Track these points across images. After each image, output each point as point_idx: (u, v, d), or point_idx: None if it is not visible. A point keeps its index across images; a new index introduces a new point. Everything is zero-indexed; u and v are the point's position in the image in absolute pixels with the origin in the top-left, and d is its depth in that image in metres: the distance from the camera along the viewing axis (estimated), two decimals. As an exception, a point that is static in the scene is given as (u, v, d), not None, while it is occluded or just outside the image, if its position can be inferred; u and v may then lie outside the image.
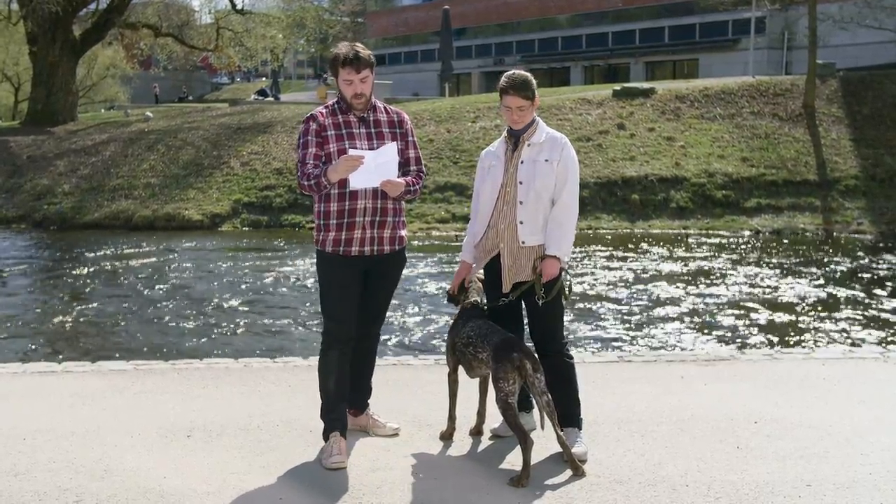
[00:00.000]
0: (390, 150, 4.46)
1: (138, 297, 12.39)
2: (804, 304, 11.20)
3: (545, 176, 4.53)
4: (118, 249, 16.96)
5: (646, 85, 26.03)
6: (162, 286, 13.14)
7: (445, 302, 4.93)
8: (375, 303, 4.74)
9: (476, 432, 4.84)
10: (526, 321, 4.74)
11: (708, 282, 12.78)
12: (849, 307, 11.04)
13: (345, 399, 4.67)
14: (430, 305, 11.34)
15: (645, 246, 16.43)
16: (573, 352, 4.84)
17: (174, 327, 10.47)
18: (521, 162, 4.58)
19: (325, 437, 4.58)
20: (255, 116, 27.67)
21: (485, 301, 4.78)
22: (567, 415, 4.50)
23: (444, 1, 45.68)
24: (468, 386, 4.86)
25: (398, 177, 4.49)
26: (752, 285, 12.49)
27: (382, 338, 5.10)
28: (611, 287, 12.39)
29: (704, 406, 5.32)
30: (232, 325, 10.51)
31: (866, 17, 30.42)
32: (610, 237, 17.61)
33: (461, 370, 4.73)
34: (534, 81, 4.60)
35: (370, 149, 4.49)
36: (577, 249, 15.52)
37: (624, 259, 14.91)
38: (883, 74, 25.49)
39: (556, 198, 4.54)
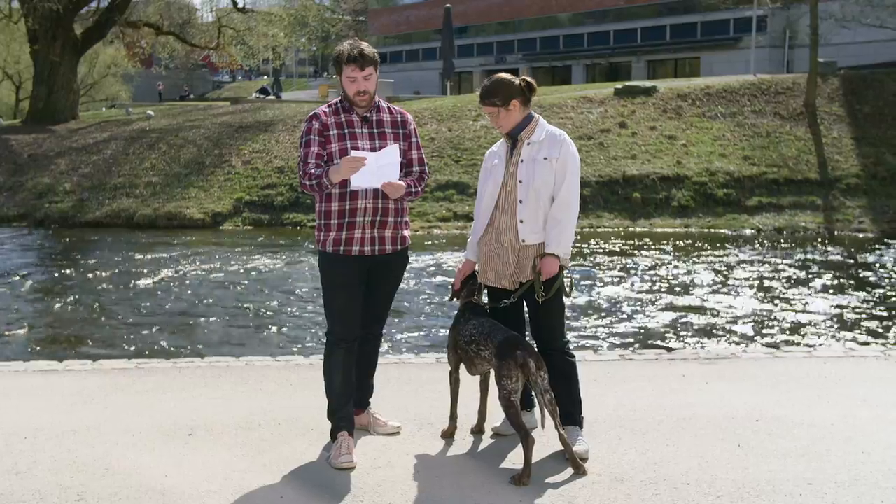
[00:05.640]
0: (393, 152, 4.44)
1: (138, 295, 12.39)
2: (805, 303, 11.20)
3: (545, 174, 4.53)
4: (119, 248, 16.96)
5: (647, 83, 26.02)
6: (161, 284, 13.14)
7: (448, 299, 4.92)
8: (378, 302, 4.73)
9: (477, 431, 4.84)
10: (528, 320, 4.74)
11: (709, 280, 12.78)
12: (850, 305, 11.03)
13: (351, 398, 4.66)
14: (432, 304, 11.35)
15: (646, 244, 16.42)
16: (574, 350, 4.84)
17: (174, 325, 10.47)
18: (521, 160, 4.58)
19: (333, 436, 4.57)
20: (257, 115, 27.67)
21: (486, 299, 4.78)
22: (568, 413, 4.50)
23: (445, -1, 45.67)
24: (469, 384, 4.86)
25: (400, 178, 4.48)
26: (753, 284, 12.49)
27: (384, 336, 5.09)
28: (612, 285, 12.39)
29: (706, 404, 5.32)
30: (232, 323, 10.51)
31: (868, 16, 30.43)
32: (611, 235, 17.60)
33: (462, 368, 4.73)
34: (506, 87, 4.54)
35: (372, 149, 4.47)
36: (579, 248, 15.52)
37: (625, 257, 14.90)
38: (884, 73, 25.49)
39: (556, 195, 4.54)
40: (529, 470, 4.18)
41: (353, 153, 4.38)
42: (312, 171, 4.44)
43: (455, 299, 4.87)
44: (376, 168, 4.36)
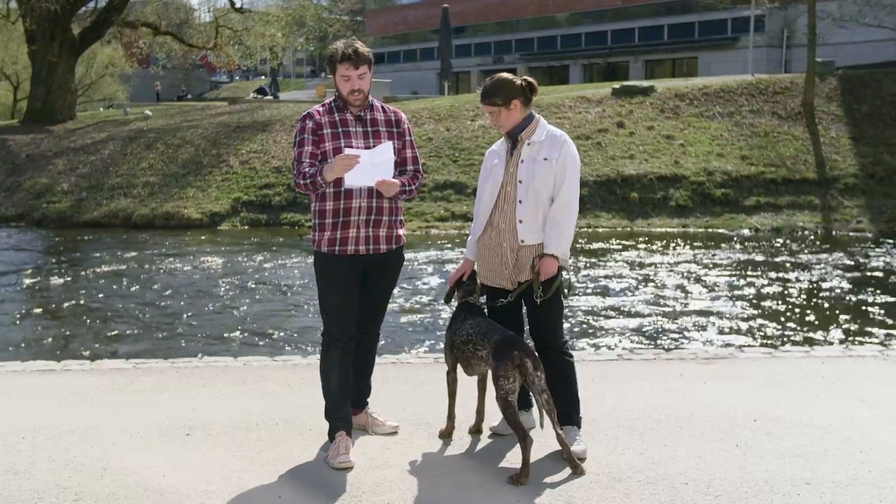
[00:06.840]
0: (386, 150, 4.45)
1: (137, 295, 12.38)
2: (803, 303, 11.20)
3: (544, 174, 4.53)
4: (117, 248, 16.95)
5: (645, 83, 26.02)
6: (160, 284, 13.12)
7: (443, 301, 4.92)
8: (374, 302, 4.73)
9: (475, 431, 4.84)
10: (526, 320, 4.74)
11: (707, 280, 12.78)
12: (848, 305, 11.04)
13: (349, 398, 4.65)
14: (429, 303, 11.34)
15: (644, 244, 16.43)
16: (572, 350, 4.84)
17: (173, 325, 10.46)
18: (521, 161, 4.58)
19: (331, 436, 4.57)
20: (255, 115, 27.67)
21: (483, 299, 4.78)
22: (566, 413, 4.50)
23: (443, -1, 45.67)
24: (467, 384, 4.86)
25: (394, 176, 4.48)
26: (750, 283, 12.49)
27: (381, 336, 5.08)
28: (609, 285, 12.39)
29: (704, 404, 5.32)
30: (230, 324, 10.50)
31: (865, 16, 30.45)
32: (609, 235, 17.61)
33: (460, 368, 4.72)
34: (508, 86, 4.54)
35: (366, 148, 4.47)
36: (577, 247, 15.52)
37: (622, 257, 14.90)
38: (882, 72, 25.49)
39: (555, 196, 4.54)
40: (527, 470, 4.18)
41: (347, 151, 4.38)
42: (306, 170, 4.45)
43: (449, 301, 4.86)
44: (370, 166, 4.36)
